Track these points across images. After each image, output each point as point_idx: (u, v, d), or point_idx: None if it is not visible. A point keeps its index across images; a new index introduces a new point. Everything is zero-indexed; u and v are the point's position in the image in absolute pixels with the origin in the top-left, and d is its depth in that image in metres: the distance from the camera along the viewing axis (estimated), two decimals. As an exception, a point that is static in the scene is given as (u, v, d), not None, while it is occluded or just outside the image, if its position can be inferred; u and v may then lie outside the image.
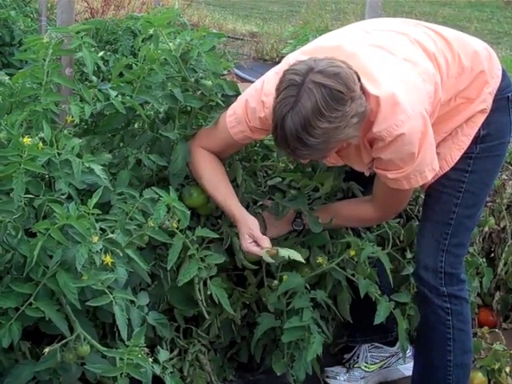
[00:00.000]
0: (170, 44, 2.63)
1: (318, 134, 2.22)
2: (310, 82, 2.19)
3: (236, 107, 2.59)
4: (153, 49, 2.63)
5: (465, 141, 2.56)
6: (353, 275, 2.73)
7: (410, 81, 2.36)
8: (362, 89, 2.28)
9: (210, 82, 2.68)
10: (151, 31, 2.62)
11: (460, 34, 2.62)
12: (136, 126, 2.78)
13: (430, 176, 2.45)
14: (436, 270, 2.63)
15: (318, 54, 2.35)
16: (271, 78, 2.47)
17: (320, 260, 2.71)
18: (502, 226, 3.62)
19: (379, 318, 2.67)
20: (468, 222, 2.65)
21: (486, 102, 2.54)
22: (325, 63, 2.23)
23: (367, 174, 2.55)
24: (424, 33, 2.53)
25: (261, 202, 2.82)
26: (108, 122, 2.70)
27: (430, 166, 2.43)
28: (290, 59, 2.46)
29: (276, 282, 2.72)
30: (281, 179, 2.91)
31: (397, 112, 2.30)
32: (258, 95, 2.51)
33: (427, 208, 2.69)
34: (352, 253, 2.70)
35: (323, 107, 2.19)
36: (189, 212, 2.45)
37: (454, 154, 2.56)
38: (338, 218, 2.72)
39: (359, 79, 2.27)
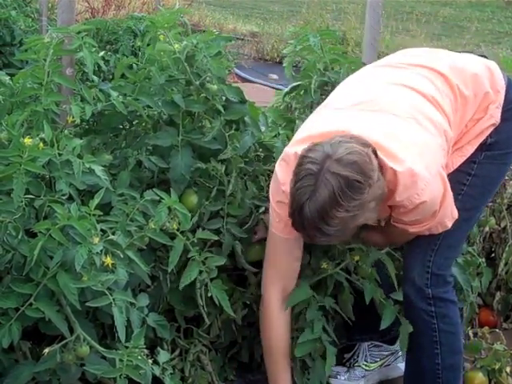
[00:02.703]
0: (176, 46, 2.62)
1: (336, 223, 2.22)
2: (328, 172, 2.17)
3: (274, 214, 2.53)
4: (153, 50, 2.62)
5: (469, 149, 2.55)
6: (357, 280, 2.73)
7: (420, 142, 2.34)
8: (380, 162, 2.25)
9: (215, 87, 2.67)
10: (156, 32, 2.62)
11: (455, 60, 2.57)
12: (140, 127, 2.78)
13: (449, 224, 2.47)
14: (423, 270, 2.61)
15: (324, 139, 2.29)
16: (280, 168, 2.44)
17: (324, 265, 2.71)
18: (502, 225, 3.62)
19: (385, 322, 2.67)
20: (463, 224, 2.62)
21: (494, 116, 2.52)
22: (342, 151, 2.19)
23: (382, 224, 2.56)
24: (418, 74, 2.49)
25: (263, 208, 2.81)
26: (107, 121, 2.70)
27: (450, 215, 2.46)
28: (289, 153, 2.41)
29: None
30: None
31: (416, 181, 2.28)
32: (278, 189, 2.46)
33: None
34: (356, 258, 2.69)
35: (340, 197, 2.17)
36: (190, 214, 2.45)
37: (456, 160, 2.56)
38: None
39: (376, 155, 2.24)
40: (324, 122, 2.44)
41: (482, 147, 2.55)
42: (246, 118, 2.77)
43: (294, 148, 2.40)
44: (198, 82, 2.67)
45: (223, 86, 2.71)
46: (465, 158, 2.55)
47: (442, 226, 2.47)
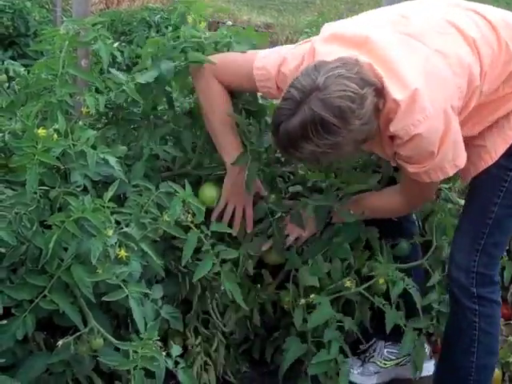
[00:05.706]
0: (207, 34, 2.63)
1: (305, 152, 2.22)
2: (307, 105, 2.16)
3: (267, 65, 2.49)
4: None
5: (510, 135, 2.45)
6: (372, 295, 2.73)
7: (436, 75, 2.26)
8: (383, 91, 2.21)
9: None
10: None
11: (508, 17, 2.45)
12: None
13: (451, 172, 2.37)
14: (468, 269, 2.53)
15: (343, 43, 2.30)
16: (307, 55, 2.40)
17: (348, 284, 2.69)
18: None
19: (405, 347, 2.73)
20: (507, 222, 2.54)
21: None
22: (332, 90, 2.15)
23: (393, 164, 2.48)
24: (467, 16, 2.40)
25: (279, 214, 2.78)
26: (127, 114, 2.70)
27: (451, 162, 2.35)
28: (315, 46, 2.37)
29: (303, 300, 2.69)
30: (301, 187, 2.90)
31: (415, 111, 2.22)
32: (294, 67, 2.41)
33: (467, 204, 2.61)
34: (381, 281, 2.67)
35: (311, 133, 2.16)
36: (204, 208, 2.45)
37: (499, 148, 2.46)
38: (366, 209, 2.69)
39: (378, 93, 2.20)
40: (356, 25, 2.43)
41: None
42: (267, 118, 2.74)
43: (319, 44, 2.38)
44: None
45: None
46: (507, 146, 2.45)
47: (442, 171, 2.36)
